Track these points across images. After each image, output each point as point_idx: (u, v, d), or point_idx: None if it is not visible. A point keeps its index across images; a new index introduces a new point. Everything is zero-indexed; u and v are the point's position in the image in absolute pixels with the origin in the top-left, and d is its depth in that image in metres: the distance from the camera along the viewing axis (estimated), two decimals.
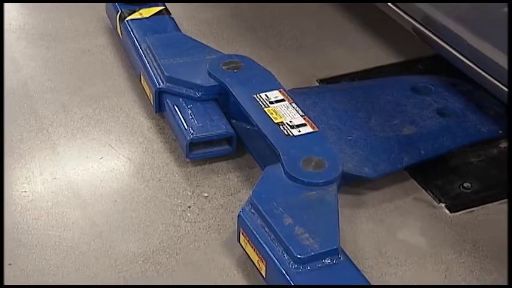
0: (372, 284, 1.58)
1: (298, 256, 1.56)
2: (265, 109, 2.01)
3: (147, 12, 2.47)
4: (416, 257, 1.79)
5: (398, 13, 2.16)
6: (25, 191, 1.94)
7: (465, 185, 1.99)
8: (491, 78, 1.87)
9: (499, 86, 1.84)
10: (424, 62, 2.47)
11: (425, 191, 1.99)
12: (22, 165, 2.03)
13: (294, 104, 2.04)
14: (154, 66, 2.19)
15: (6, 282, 1.68)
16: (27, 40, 2.54)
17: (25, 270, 1.72)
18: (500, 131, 2.11)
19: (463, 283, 1.73)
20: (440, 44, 2.03)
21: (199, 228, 1.85)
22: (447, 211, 1.92)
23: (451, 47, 1.99)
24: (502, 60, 1.80)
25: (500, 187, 1.98)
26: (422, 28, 2.09)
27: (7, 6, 2.73)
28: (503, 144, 2.12)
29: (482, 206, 1.94)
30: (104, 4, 2.62)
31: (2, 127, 2.10)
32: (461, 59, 1.96)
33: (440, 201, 1.95)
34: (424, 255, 1.80)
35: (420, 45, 2.26)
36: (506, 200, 1.94)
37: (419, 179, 2.01)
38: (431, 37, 2.06)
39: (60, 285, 1.65)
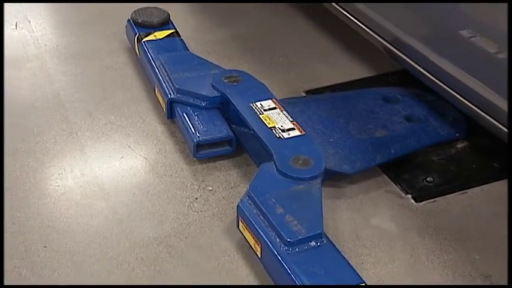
0: (352, 263, 1.56)
1: (288, 240, 1.58)
2: (260, 116, 2.00)
3: (160, 34, 2.46)
4: (387, 240, 1.80)
5: (371, 35, 2.17)
6: (58, 185, 1.94)
7: (428, 179, 1.99)
8: (449, 89, 1.88)
9: (456, 96, 1.85)
10: (393, 76, 2.47)
11: (395, 184, 1.98)
12: (55, 163, 2.02)
13: (284, 112, 2.03)
14: (166, 80, 2.18)
15: (43, 261, 1.69)
16: (60, 58, 2.54)
17: (58, 251, 1.72)
18: (457, 134, 2.12)
19: (426, 262, 1.73)
20: (406, 61, 2.03)
21: (205, 217, 1.85)
22: (413, 201, 1.93)
23: (415, 63, 1.99)
24: (458, 74, 1.82)
25: (458, 181, 2.00)
26: (391, 47, 2.08)
27: (44, 29, 2.73)
28: (460, 145, 2.12)
29: (443, 196, 1.95)
30: (124, 27, 2.61)
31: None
32: (424, 73, 1.96)
33: (407, 193, 1.95)
34: (393, 239, 1.80)
35: (390, 62, 2.25)
36: (463, 191, 1.96)
37: (389, 174, 2.01)
38: (399, 55, 2.06)
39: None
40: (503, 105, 1.68)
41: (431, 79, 1.93)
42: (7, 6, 2.86)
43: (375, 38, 2.15)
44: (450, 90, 1.87)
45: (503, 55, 1.67)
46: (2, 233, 1.73)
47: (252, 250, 1.68)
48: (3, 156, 2.01)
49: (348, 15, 2.26)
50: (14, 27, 2.71)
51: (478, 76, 1.76)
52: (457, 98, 1.85)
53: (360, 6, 2.20)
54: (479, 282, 1.67)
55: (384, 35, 2.11)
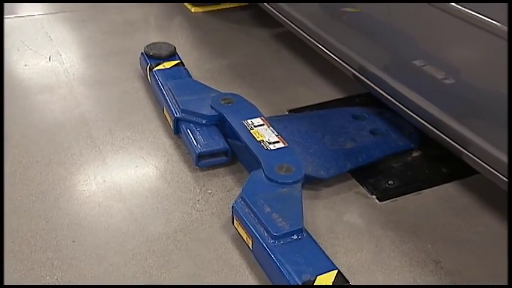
0: (327, 253, 1.57)
1: (274, 234, 1.59)
2: (251, 131, 2.00)
3: (168, 64, 2.46)
4: (356, 232, 1.80)
5: (342, 64, 2.17)
6: (83, 190, 1.93)
7: (389, 182, 1.99)
8: (405, 108, 1.88)
9: (411, 114, 1.86)
10: (360, 97, 2.47)
11: (362, 187, 1.98)
12: (81, 172, 2.01)
13: (270, 127, 2.03)
14: (173, 102, 2.18)
15: (72, 254, 1.68)
16: (85, 85, 2.53)
17: (84, 245, 1.72)
18: (412, 145, 2.13)
19: (388, 251, 1.73)
20: (370, 85, 2.03)
21: (205, 215, 1.85)
22: (377, 201, 1.93)
23: (378, 87, 1.99)
24: (412, 96, 1.83)
25: (414, 184, 2.00)
26: (358, 74, 2.09)
27: (72, 61, 2.73)
28: (415, 154, 2.12)
29: (401, 197, 1.95)
30: (138, 59, 2.62)
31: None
32: (385, 96, 1.97)
33: (372, 194, 1.95)
34: (361, 232, 1.80)
35: (357, 86, 2.25)
36: (418, 192, 1.96)
37: (358, 179, 2.01)
38: (364, 81, 2.06)
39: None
40: (448, 121, 1.70)
41: (391, 100, 1.94)
42: (42, 42, 2.86)
43: (345, 66, 2.15)
44: (406, 109, 1.88)
45: (449, 81, 1.69)
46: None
47: (244, 243, 1.69)
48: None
49: (323, 48, 2.27)
50: (48, 59, 2.70)
51: (429, 97, 1.78)
52: (412, 115, 1.86)
53: (332, 41, 2.20)
54: (431, 268, 1.67)
55: (352, 65, 2.12)
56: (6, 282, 1.57)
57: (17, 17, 2.95)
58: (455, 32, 1.60)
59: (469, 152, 1.66)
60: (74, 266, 1.64)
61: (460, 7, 1.51)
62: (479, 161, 1.63)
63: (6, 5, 3.13)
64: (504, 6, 1.37)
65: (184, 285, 1.59)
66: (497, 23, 1.40)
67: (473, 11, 1.48)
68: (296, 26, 2.42)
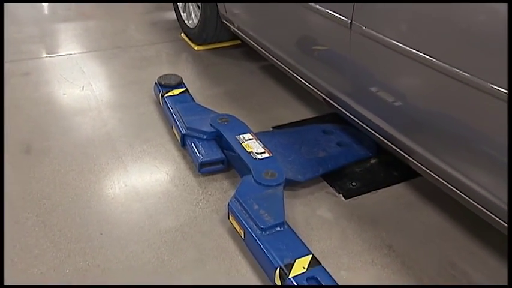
0: (304, 241, 1.57)
1: (262, 226, 1.59)
2: (242, 144, 2.01)
3: (176, 91, 2.47)
4: (327, 224, 1.80)
5: (314, 90, 2.16)
6: (109, 192, 1.94)
7: (353, 183, 1.99)
8: (364, 125, 1.88)
9: (368, 129, 1.86)
10: (329, 116, 2.46)
11: (331, 187, 1.98)
12: (108, 178, 2.02)
13: (258, 141, 2.04)
14: (180, 121, 2.18)
15: (100, 244, 1.68)
16: (110, 108, 2.54)
17: (110, 237, 1.72)
18: (370, 154, 2.13)
19: (351, 238, 1.74)
20: (337, 107, 2.03)
21: (206, 212, 1.85)
22: (343, 198, 1.93)
23: (342, 108, 1.99)
24: (369, 115, 1.82)
25: (372, 185, 2.00)
26: (327, 98, 2.08)
27: (101, 89, 2.72)
28: (372, 161, 2.12)
29: (362, 195, 1.95)
30: (152, 87, 2.62)
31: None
32: (348, 115, 1.97)
33: (339, 193, 1.95)
34: (331, 224, 1.81)
35: (326, 107, 2.23)
36: (375, 191, 1.97)
37: (328, 181, 2.01)
38: (332, 103, 2.06)
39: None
40: (397, 134, 1.71)
41: (353, 118, 1.94)
42: (77, 75, 2.85)
43: (316, 92, 2.15)
44: (365, 126, 1.88)
45: (397, 103, 1.69)
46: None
47: (238, 234, 1.69)
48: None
49: (299, 78, 2.26)
50: (81, 89, 2.70)
51: (382, 116, 1.78)
52: (369, 130, 1.86)
53: (306, 72, 2.19)
54: (385, 251, 1.68)
55: (322, 90, 2.11)
56: (50, 267, 1.57)
57: (58, 56, 2.93)
58: (398, 68, 1.61)
59: (414, 159, 1.67)
60: (102, 253, 1.65)
61: (404, 48, 1.52)
62: (422, 166, 1.64)
63: (49, 45, 3.12)
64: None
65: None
66: (433, 59, 1.41)
67: (413, 51, 1.50)
68: (277, 60, 2.42)
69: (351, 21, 1.72)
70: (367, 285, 1.57)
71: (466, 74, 1.33)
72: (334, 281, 1.45)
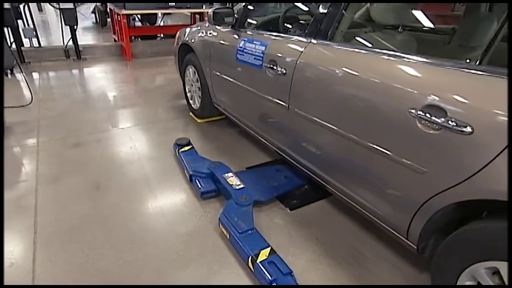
0: (265, 239, 1.56)
1: (239, 231, 1.59)
2: (227, 179, 1.99)
3: (186, 148, 2.42)
4: (280, 227, 1.78)
5: (270, 146, 2.12)
6: (142, 210, 1.86)
7: (295, 201, 1.95)
8: (300, 166, 1.83)
9: (303, 169, 1.81)
10: (280, 160, 2.38)
11: (282, 204, 1.95)
12: (141, 201, 1.93)
13: (236, 177, 2.02)
14: (188, 167, 2.16)
15: (139, 244, 1.63)
16: (147, 159, 2.43)
17: (146, 239, 1.66)
18: (304, 182, 2.08)
19: (295, 236, 1.69)
20: (283, 155, 1.99)
21: (205, 222, 1.81)
22: (289, 210, 1.90)
23: (287, 156, 1.95)
24: (302, 159, 1.74)
25: (307, 201, 1.94)
26: (278, 150, 2.05)
27: (142, 147, 2.61)
28: (306, 186, 2.07)
29: (300, 208, 1.91)
30: (172, 146, 2.53)
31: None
32: (290, 160, 1.93)
33: (287, 207, 1.91)
34: (282, 228, 1.78)
35: (278, 155, 2.20)
36: (309, 205, 1.89)
37: (280, 200, 1.97)
38: (280, 153, 2.02)
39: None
40: (319, 171, 1.69)
41: (293, 162, 1.90)
42: (126, 141, 2.70)
43: (271, 147, 2.11)
44: (300, 166, 1.84)
45: (319, 153, 1.64)
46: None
47: (225, 236, 1.67)
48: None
49: (261, 139, 2.21)
50: (129, 148, 2.58)
51: (310, 161, 1.75)
52: (302, 169, 1.82)
53: (265, 135, 2.15)
54: (315, 242, 1.65)
55: (274, 146, 2.07)
56: (105, 261, 1.51)
57: (117, 129, 2.85)
58: (318, 133, 1.57)
59: (329, 186, 1.66)
60: (142, 251, 1.60)
61: (320, 121, 1.53)
62: (334, 190, 1.64)
63: (112, 123, 2.97)
64: None
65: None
66: (338, 128, 1.41)
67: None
68: (247, 127, 2.38)
69: (288, 105, 1.77)
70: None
71: (357, 138, 1.39)
72: (286, 264, 1.43)
